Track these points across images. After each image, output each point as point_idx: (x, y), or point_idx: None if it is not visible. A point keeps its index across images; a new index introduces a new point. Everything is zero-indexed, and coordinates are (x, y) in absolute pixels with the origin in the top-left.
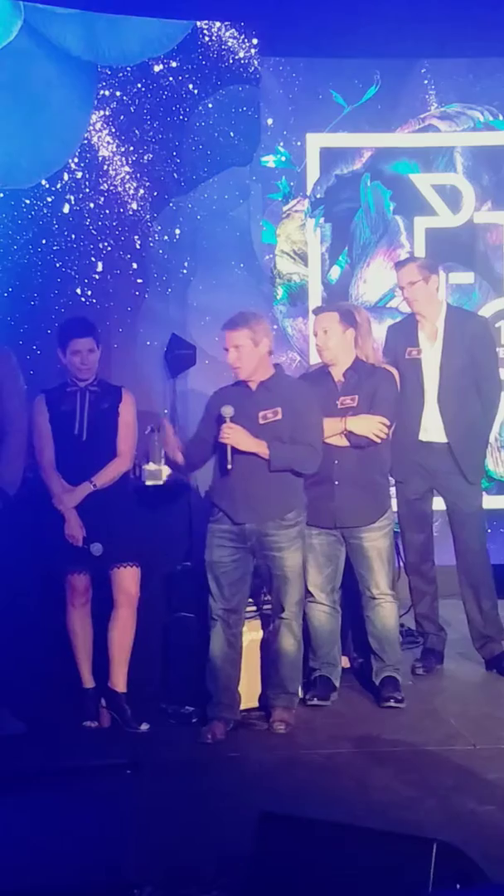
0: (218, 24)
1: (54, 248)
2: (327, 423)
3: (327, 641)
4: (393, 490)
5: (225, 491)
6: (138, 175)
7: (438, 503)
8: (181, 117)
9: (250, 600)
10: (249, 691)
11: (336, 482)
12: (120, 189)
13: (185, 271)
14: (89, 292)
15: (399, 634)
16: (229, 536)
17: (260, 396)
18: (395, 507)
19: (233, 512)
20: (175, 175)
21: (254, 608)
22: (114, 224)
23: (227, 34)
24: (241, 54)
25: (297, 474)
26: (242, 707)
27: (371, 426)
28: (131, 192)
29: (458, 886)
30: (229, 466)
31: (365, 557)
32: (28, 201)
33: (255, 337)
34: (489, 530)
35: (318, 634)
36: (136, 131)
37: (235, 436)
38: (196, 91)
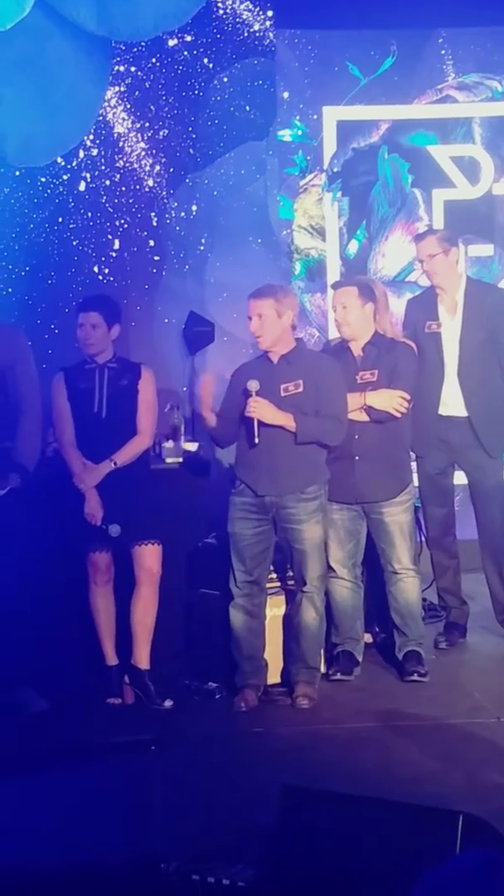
0: None
1: (71, 226)
2: (347, 398)
3: (350, 617)
4: (414, 465)
5: (249, 463)
6: (154, 151)
7: (460, 477)
8: (196, 92)
9: (274, 575)
10: (272, 667)
11: (356, 457)
12: (136, 166)
13: (202, 248)
14: (106, 270)
15: (422, 609)
16: (251, 509)
17: (281, 369)
18: (416, 482)
19: (255, 484)
20: (191, 151)
21: (277, 584)
22: (130, 201)
23: (242, 7)
24: (256, 27)
25: (324, 447)
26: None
27: (391, 401)
28: (147, 168)
29: None
30: (256, 440)
31: (386, 532)
32: (44, 179)
33: (279, 308)
34: None
35: (341, 610)
36: (152, 107)
37: (262, 409)
38: (211, 65)
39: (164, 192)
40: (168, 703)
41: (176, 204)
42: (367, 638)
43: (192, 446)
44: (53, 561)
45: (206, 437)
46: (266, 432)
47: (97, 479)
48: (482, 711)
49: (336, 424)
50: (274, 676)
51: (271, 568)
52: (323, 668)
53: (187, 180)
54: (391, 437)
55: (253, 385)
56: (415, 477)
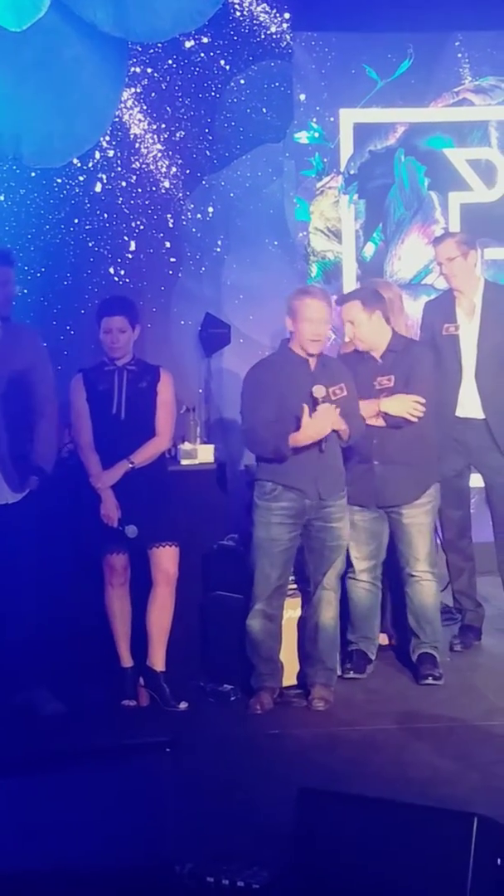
0: None
1: (87, 227)
2: (363, 404)
3: (365, 617)
4: None
5: (303, 470)
6: (170, 153)
7: (476, 479)
8: (213, 94)
9: (292, 577)
10: (287, 669)
11: (376, 462)
12: (152, 167)
13: (218, 249)
14: (122, 272)
15: (438, 612)
16: (290, 513)
17: (319, 374)
18: None
19: (312, 489)
20: (207, 153)
21: (293, 585)
22: (146, 203)
23: (259, 9)
24: (273, 29)
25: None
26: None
27: (406, 406)
28: (164, 170)
29: (499, 861)
30: (323, 448)
31: (404, 533)
32: (60, 180)
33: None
34: None
35: (357, 610)
36: (168, 108)
37: (333, 417)
38: (228, 67)
39: (181, 194)
40: (183, 706)
41: (192, 206)
42: (383, 639)
43: (211, 449)
44: (69, 562)
45: (223, 439)
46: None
47: (114, 479)
48: (497, 714)
49: (362, 423)
50: (289, 678)
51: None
52: (338, 669)
53: (204, 182)
54: (412, 441)
55: (319, 391)
56: None
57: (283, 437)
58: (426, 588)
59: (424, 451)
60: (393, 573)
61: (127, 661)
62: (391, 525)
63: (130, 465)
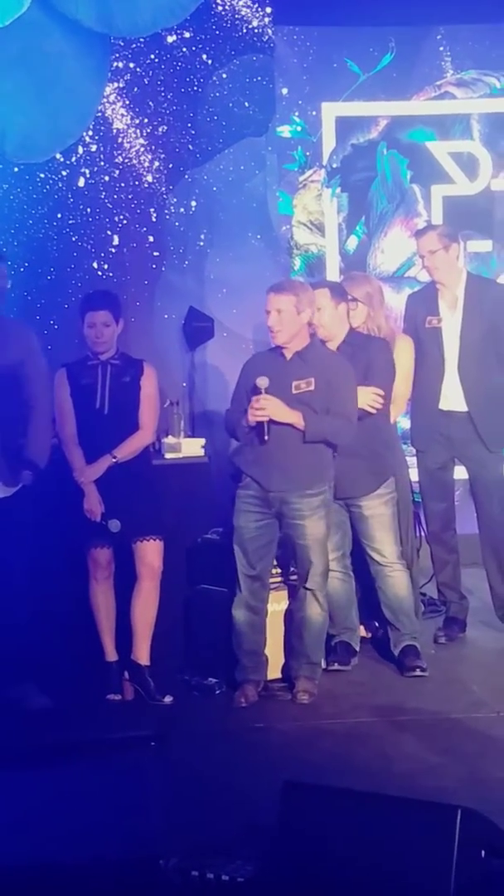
0: None
1: (70, 222)
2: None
3: (343, 607)
4: (413, 460)
5: (257, 459)
6: (153, 147)
7: (461, 472)
8: (195, 88)
9: (278, 570)
10: (272, 662)
11: (334, 454)
12: (135, 162)
13: (201, 243)
14: (106, 266)
15: (416, 602)
16: (255, 502)
17: (293, 366)
18: (415, 477)
19: (264, 480)
20: (190, 147)
21: (280, 578)
22: (129, 197)
23: (241, 3)
24: (255, 23)
25: (331, 446)
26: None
27: (365, 398)
28: (146, 164)
29: (483, 854)
30: (266, 438)
31: (367, 525)
32: (43, 175)
33: (299, 304)
34: None
35: (334, 601)
36: (151, 103)
37: (272, 407)
38: (210, 61)
39: (164, 188)
40: (168, 699)
41: (175, 200)
42: (363, 632)
43: (195, 443)
44: (53, 557)
45: (208, 432)
46: (275, 429)
47: (97, 473)
48: (482, 706)
49: (346, 424)
50: (274, 672)
51: (275, 562)
52: (323, 663)
53: (186, 176)
54: (368, 433)
55: (262, 382)
56: (415, 472)
57: (236, 425)
58: (397, 580)
59: (381, 442)
60: (362, 568)
61: (111, 655)
62: (353, 519)
63: (114, 460)
